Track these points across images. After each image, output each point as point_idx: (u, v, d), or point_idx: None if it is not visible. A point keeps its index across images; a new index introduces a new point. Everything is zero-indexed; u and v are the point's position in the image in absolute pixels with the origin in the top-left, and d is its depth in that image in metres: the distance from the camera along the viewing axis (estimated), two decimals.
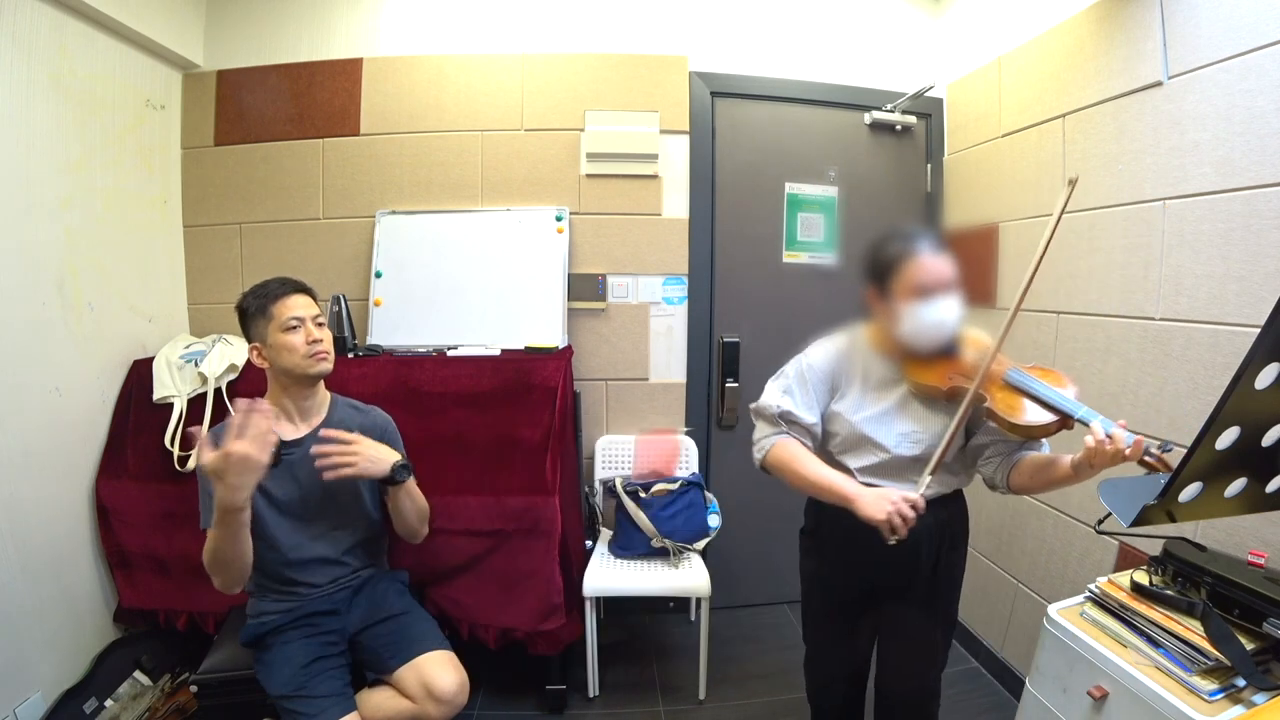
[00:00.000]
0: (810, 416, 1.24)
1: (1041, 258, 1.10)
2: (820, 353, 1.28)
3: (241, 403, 1.20)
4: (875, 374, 1.25)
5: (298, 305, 1.41)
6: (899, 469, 1.21)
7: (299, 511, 1.43)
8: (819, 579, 1.39)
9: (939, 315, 1.15)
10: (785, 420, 1.26)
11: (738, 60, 2.35)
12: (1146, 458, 0.98)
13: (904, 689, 1.40)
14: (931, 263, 1.14)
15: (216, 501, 1.19)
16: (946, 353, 1.20)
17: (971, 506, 1.36)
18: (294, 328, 1.39)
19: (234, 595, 1.39)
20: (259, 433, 1.18)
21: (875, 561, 1.25)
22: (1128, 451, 0.98)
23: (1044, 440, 1.19)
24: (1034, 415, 1.09)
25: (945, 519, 1.27)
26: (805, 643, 1.48)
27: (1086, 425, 1.03)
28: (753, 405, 1.32)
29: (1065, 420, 1.07)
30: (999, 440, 1.22)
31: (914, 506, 1.07)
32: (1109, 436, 0.98)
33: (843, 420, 1.24)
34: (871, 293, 1.23)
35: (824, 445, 1.29)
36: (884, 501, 1.08)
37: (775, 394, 1.27)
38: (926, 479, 1.14)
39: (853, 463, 1.25)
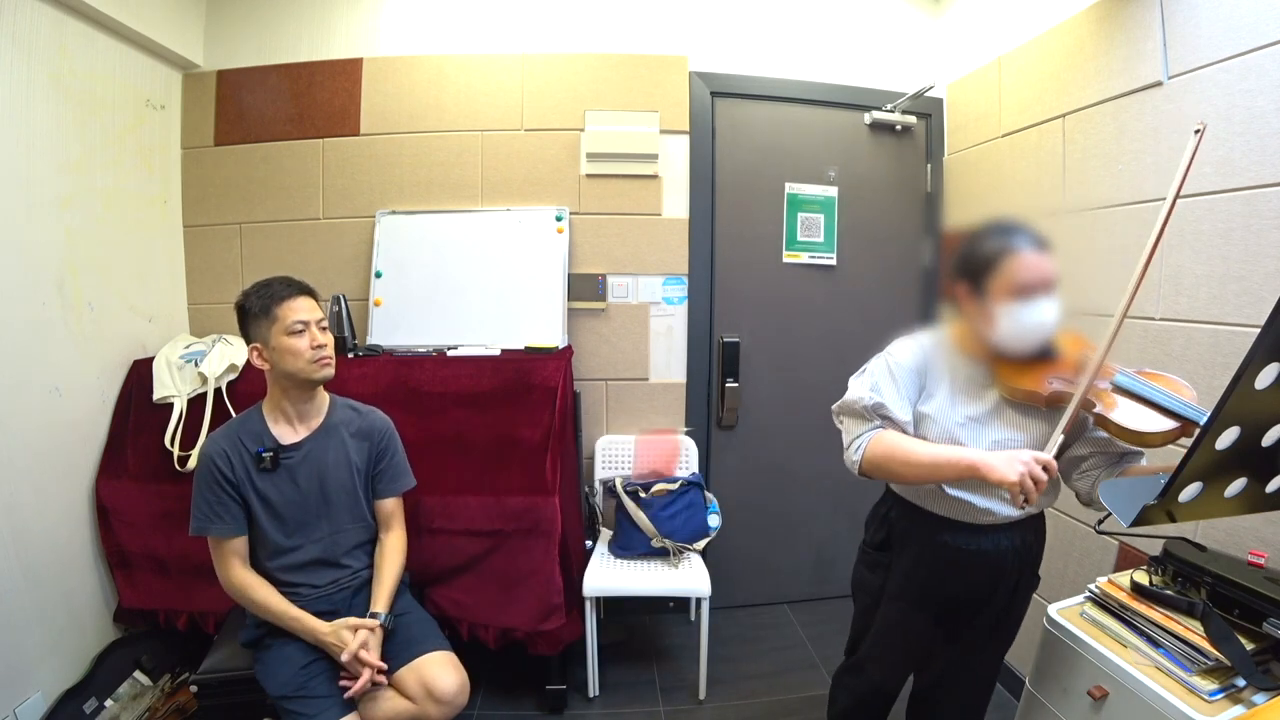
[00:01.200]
0: (903, 413, 1.14)
1: (1159, 238, 0.98)
2: (906, 349, 1.18)
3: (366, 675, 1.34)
4: (963, 377, 1.15)
5: (302, 308, 1.40)
6: (989, 486, 1.10)
7: (298, 514, 1.43)
8: (887, 595, 1.28)
9: (1040, 317, 1.06)
10: (879, 414, 1.14)
11: (738, 60, 2.35)
12: None
13: (956, 708, 1.35)
14: (1034, 260, 1.05)
15: (317, 639, 1.36)
16: (1042, 356, 1.11)
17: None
18: (298, 332, 1.37)
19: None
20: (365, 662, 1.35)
21: (956, 580, 1.19)
22: None
23: (1142, 451, 1.10)
24: (1151, 422, 1.00)
25: (1031, 541, 1.21)
26: (848, 654, 1.42)
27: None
28: (836, 405, 1.22)
29: (1186, 426, 0.98)
30: (1098, 452, 1.14)
31: (1045, 468, 0.98)
32: None
33: (933, 423, 1.13)
34: (962, 290, 1.12)
35: None
36: (1015, 462, 0.98)
37: (863, 389, 1.16)
38: (1058, 438, 1.02)
39: None
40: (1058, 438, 1.03)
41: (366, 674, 1.33)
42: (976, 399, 1.14)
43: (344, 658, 1.33)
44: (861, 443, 1.14)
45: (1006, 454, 1.01)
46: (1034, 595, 1.29)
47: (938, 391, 1.15)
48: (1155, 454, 1.11)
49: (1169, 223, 1.00)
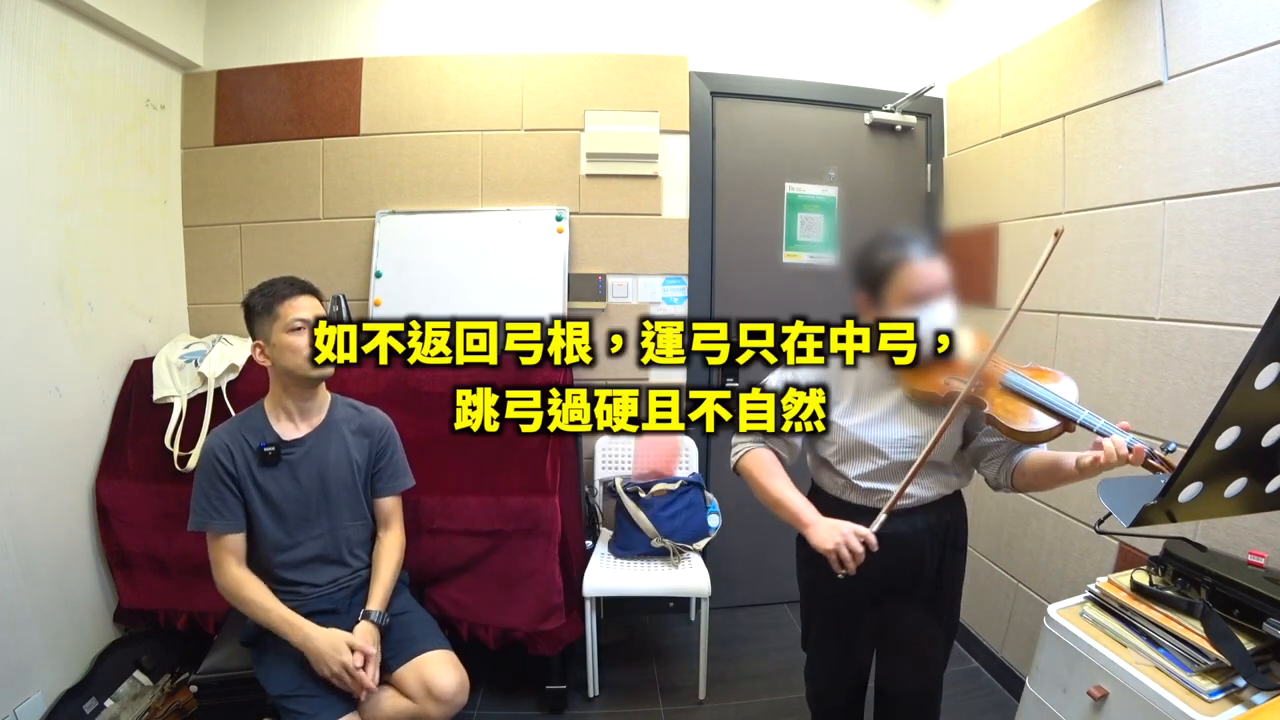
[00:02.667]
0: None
1: (1025, 297, 1.07)
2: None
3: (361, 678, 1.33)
4: (869, 379, 1.22)
5: (303, 307, 1.40)
6: (898, 474, 1.19)
7: (299, 511, 1.44)
8: (819, 585, 1.35)
9: (934, 322, 1.12)
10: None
11: (738, 60, 2.35)
12: (1151, 460, 0.98)
13: (906, 691, 1.39)
14: (925, 269, 1.12)
15: (314, 653, 1.32)
16: (941, 358, 1.17)
17: (971, 507, 1.35)
18: (298, 329, 1.38)
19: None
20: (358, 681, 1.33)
21: (878, 565, 1.21)
22: (1130, 456, 0.97)
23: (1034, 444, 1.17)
24: (1035, 421, 1.07)
25: (948, 520, 1.26)
26: (805, 649, 1.46)
27: (1089, 429, 1.01)
28: None
29: (1067, 424, 1.05)
30: (1001, 442, 1.20)
31: (864, 542, 1.07)
32: (1123, 441, 0.97)
33: (838, 428, 1.21)
34: (862, 300, 1.19)
35: (821, 454, 1.27)
36: (835, 532, 1.09)
37: None
38: (881, 518, 1.12)
39: (851, 470, 1.22)
40: (881, 517, 1.11)
41: (367, 683, 1.33)
42: (882, 398, 1.21)
43: (337, 674, 1.31)
44: (739, 452, 1.28)
45: (830, 523, 1.13)
46: (1028, 591, 1.29)
47: (842, 398, 1.22)
48: (1054, 443, 1.16)
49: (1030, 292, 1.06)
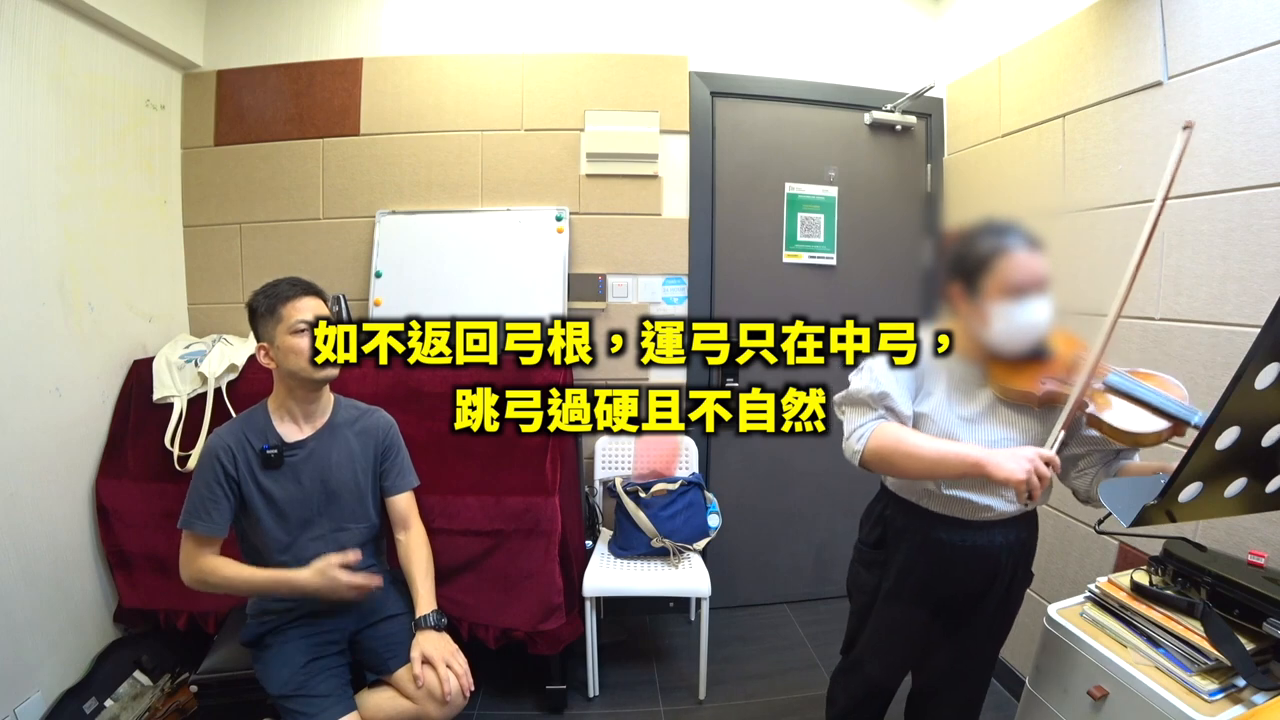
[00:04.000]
0: (906, 406, 1.13)
1: (1150, 237, 0.98)
2: None
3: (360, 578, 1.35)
4: (958, 377, 1.16)
5: (306, 308, 1.39)
6: (985, 482, 1.10)
7: (301, 512, 1.43)
8: (884, 593, 1.27)
9: (1033, 317, 1.06)
10: (884, 404, 1.13)
11: (738, 60, 2.35)
12: None
13: (952, 704, 1.35)
14: (1027, 260, 1.05)
15: (314, 589, 1.33)
16: (1035, 356, 1.11)
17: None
18: (300, 331, 1.37)
19: (234, 595, 1.40)
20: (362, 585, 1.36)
21: (951, 577, 1.20)
22: None
23: (1139, 448, 1.11)
24: (1143, 422, 1.00)
25: (1025, 538, 1.22)
26: (844, 653, 1.42)
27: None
28: (839, 396, 1.20)
29: (1178, 426, 0.98)
30: (1094, 450, 1.14)
31: (1049, 464, 0.98)
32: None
33: (930, 423, 1.14)
34: (956, 290, 1.12)
35: None
36: (1020, 459, 0.98)
37: (866, 379, 1.15)
38: (1059, 434, 1.02)
39: None
40: (1058, 434, 1.03)
41: (371, 580, 1.36)
42: (971, 399, 1.14)
43: (345, 593, 1.34)
44: (865, 433, 1.12)
45: (1010, 451, 1.01)
46: (1029, 592, 1.29)
47: (935, 390, 1.15)
48: (1149, 451, 1.12)
49: (1159, 224, 1.00)
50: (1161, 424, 0.99)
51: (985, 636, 1.28)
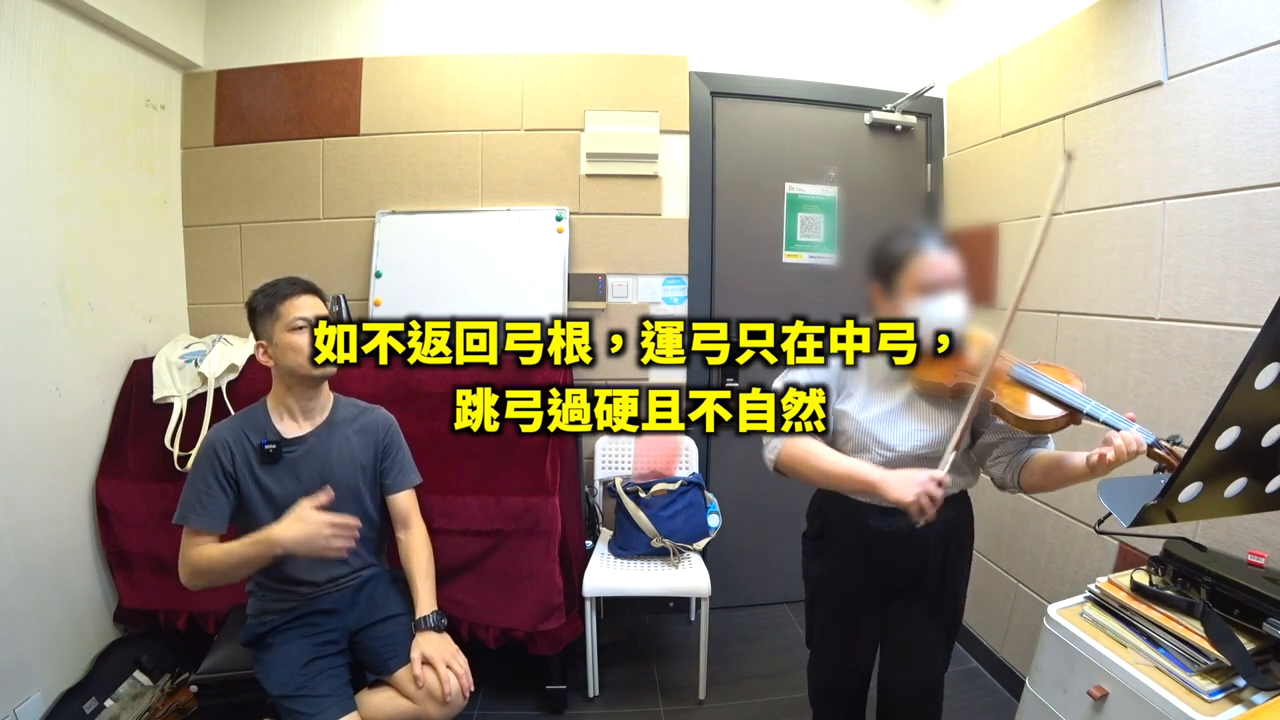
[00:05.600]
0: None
1: (1040, 247, 1.04)
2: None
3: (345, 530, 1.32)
4: (880, 373, 1.24)
5: (305, 306, 1.40)
6: (907, 467, 1.18)
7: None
8: (825, 582, 1.37)
9: (945, 313, 1.13)
10: None
11: (738, 60, 2.35)
12: (1157, 450, 0.98)
13: (908, 690, 1.40)
14: (938, 260, 1.14)
15: (293, 540, 1.29)
16: (950, 351, 1.18)
17: (973, 507, 1.36)
18: (299, 328, 1.38)
19: (233, 595, 1.39)
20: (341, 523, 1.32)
21: (884, 563, 1.26)
22: (1143, 449, 0.97)
23: (1050, 437, 1.18)
24: (1042, 410, 1.08)
25: (954, 519, 1.27)
26: (809, 646, 1.47)
27: (1095, 420, 1.02)
28: None
29: (1073, 415, 1.06)
30: (1007, 439, 1.21)
31: (939, 484, 1.05)
32: (1143, 438, 0.97)
33: (850, 419, 1.22)
34: (876, 290, 1.22)
35: (832, 445, 1.27)
36: (911, 483, 1.06)
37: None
38: (950, 456, 1.10)
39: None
40: (949, 456, 1.10)
41: (346, 520, 1.33)
42: (891, 394, 1.23)
43: (326, 533, 1.30)
44: (778, 444, 1.23)
45: (903, 474, 1.09)
46: (1029, 592, 1.30)
47: (855, 391, 1.24)
48: (1059, 440, 1.18)
49: (1045, 242, 1.04)
50: (1058, 412, 1.07)
51: (930, 620, 1.32)
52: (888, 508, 1.19)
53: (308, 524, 1.30)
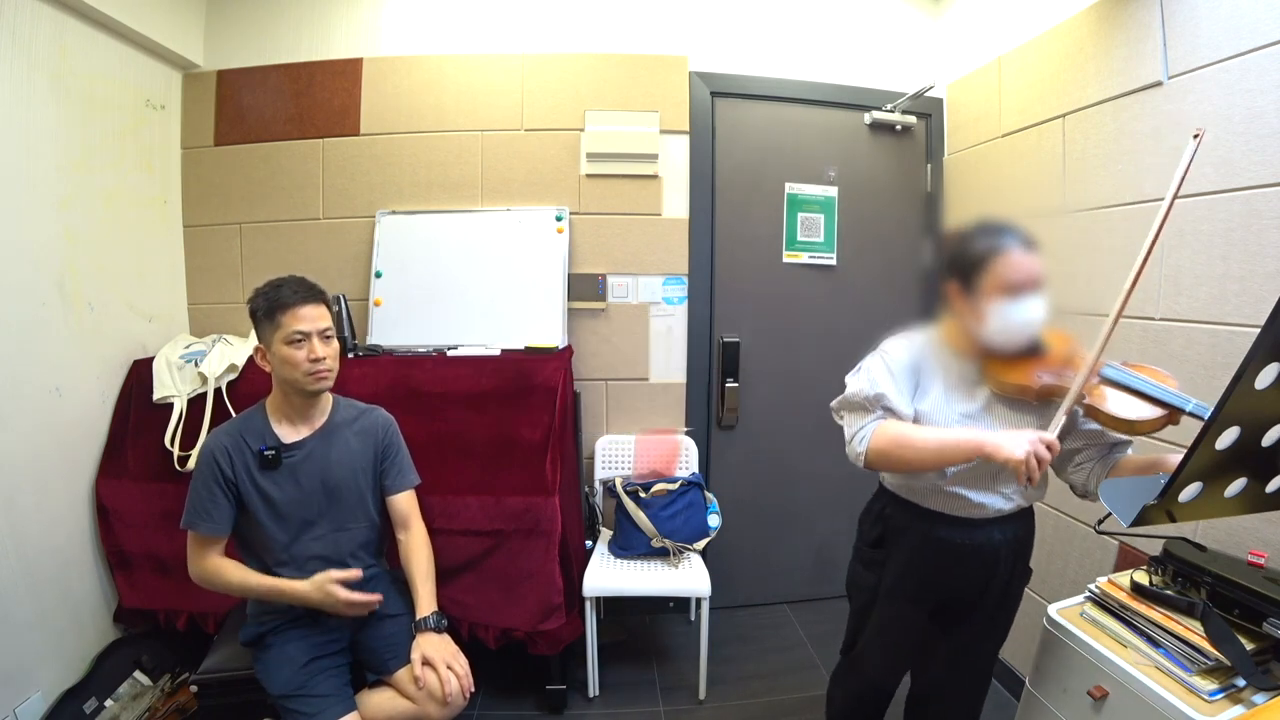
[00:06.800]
0: (903, 405, 1.15)
1: (1157, 235, 1.01)
2: (900, 347, 1.20)
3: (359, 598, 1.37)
4: (955, 375, 1.18)
5: (305, 318, 1.37)
6: (990, 476, 1.15)
7: (300, 513, 1.43)
8: (883, 591, 1.29)
9: (1028, 315, 1.08)
10: (881, 404, 1.15)
11: (738, 60, 2.35)
12: None
13: (954, 703, 1.36)
14: (1022, 259, 1.08)
15: (314, 603, 1.36)
16: (1030, 352, 1.13)
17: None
18: (298, 342, 1.36)
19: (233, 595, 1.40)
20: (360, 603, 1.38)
21: (952, 575, 1.21)
22: None
23: (1132, 441, 1.15)
24: (1139, 410, 1.03)
25: (1023, 535, 1.24)
26: (844, 653, 1.43)
27: (1198, 418, 0.96)
28: (835, 402, 1.23)
29: (1173, 414, 1.01)
30: (1090, 445, 1.17)
31: (1049, 446, 0.99)
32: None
33: (929, 420, 1.16)
34: (953, 289, 1.15)
35: None
36: (1021, 440, 1.00)
37: (863, 382, 1.18)
38: (1060, 419, 1.04)
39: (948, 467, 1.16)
40: (1060, 419, 1.05)
41: (369, 599, 1.38)
42: (969, 397, 1.17)
43: (343, 609, 1.36)
44: (865, 434, 1.15)
45: (1011, 433, 1.04)
46: (1029, 591, 1.30)
47: (932, 389, 1.17)
48: (1141, 446, 1.16)
49: (1165, 226, 1.02)
50: (1157, 411, 1.02)
51: (984, 636, 1.29)
52: (960, 517, 1.17)
53: (327, 596, 1.34)
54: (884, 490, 1.31)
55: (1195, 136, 1.00)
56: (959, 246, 1.16)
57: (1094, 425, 1.12)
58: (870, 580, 1.31)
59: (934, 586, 1.23)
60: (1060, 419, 1.05)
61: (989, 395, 1.16)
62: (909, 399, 1.16)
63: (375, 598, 1.39)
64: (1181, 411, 1.00)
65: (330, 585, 1.34)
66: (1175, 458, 0.99)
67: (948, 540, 1.19)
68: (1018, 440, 1.00)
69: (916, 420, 1.16)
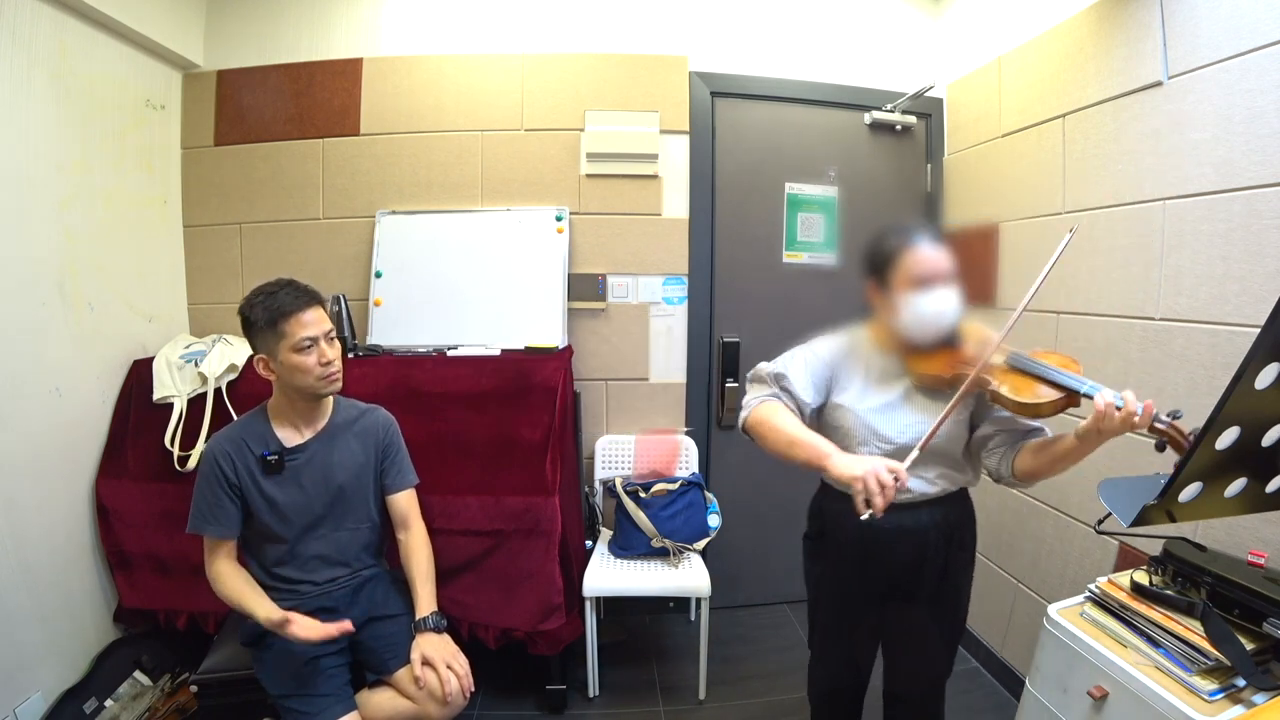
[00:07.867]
0: (803, 393, 1.22)
1: (1035, 292, 1.12)
2: (822, 344, 1.29)
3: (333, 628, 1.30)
4: (877, 368, 1.25)
5: (310, 323, 1.36)
6: (905, 459, 1.19)
7: (302, 515, 1.43)
8: (826, 582, 1.38)
9: (937, 305, 1.15)
10: (779, 384, 1.24)
11: (738, 60, 2.35)
12: (1156, 424, 0.97)
13: (910, 691, 1.40)
14: (928, 254, 1.16)
15: (270, 627, 1.28)
16: (948, 344, 1.20)
17: (974, 507, 1.35)
18: (307, 348, 1.35)
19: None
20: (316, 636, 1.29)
21: (883, 561, 1.26)
22: (1138, 418, 0.96)
23: (1046, 425, 1.19)
24: (1038, 393, 1.09)
25: (954, 520, 1.28)
26: (810, 647, 1.47)
27: (1092, 399, 1.01)
28: (749, 373, 1.32)
29: (1072, 396, 1.06)
30: (1003, 430, 1.22)
31: (896, 476, 1.01)
32: (1117, 403, 0.97)
33: (847, 412, 1.23)
34: (871, 287, 1.24)
35: (830, 440, 1.25)
36: (864, 463, 1.03)
37: (776, 363, 1.28)
38: (914, 454, 1.09)
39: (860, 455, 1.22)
40: (953, 403, 1.12)
41: (335, 629, 1.30)
42: (889, 388, 1.24)
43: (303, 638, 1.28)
44: (751, 404, 1.25)
45: (862, 457, 1.10)
46: (1029, 591, 1.30)
47: (851, 384, 1.25)
48: (1054, 427, 1.18)
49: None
50: (1054, 394, 1.08)
51: (932, 619, 1.31)
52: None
53: (323, 633, 1.28)
54: (822, 483, 1.37)
55: (1070, 230, 1.16)
56: (874, 246, 1.24)
57: (1005, 413, 1.18)
58: (816, 572, 1.39)
59: (869, 574, 1.28)
60: (914, 454, 1.10)
61: (907, 386, 1.23)
62: (814, 392, 1.23)
63: (346, 626, 1.31)
64: (1077, 393, 1.05)
65: (294, 629, 1.26)
66: (1071, 439, 1.06)
67: (875, 526, 1.20)
68: (860, 461, 1.05)
69: (834, 411, 1.24)
